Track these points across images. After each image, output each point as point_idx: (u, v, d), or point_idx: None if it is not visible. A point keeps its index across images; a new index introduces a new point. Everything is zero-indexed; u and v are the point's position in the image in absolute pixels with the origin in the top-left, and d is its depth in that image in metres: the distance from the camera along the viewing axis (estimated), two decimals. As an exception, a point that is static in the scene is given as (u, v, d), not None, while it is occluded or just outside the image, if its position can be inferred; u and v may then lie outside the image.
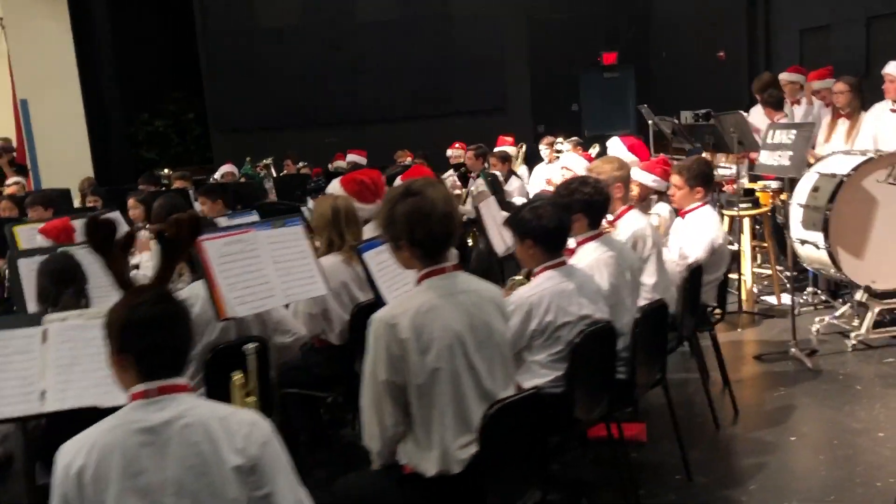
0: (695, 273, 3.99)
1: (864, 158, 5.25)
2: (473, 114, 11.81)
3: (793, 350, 5.12)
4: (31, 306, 3.54)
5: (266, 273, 3.04)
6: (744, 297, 6.23)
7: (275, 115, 11.49)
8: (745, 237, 6.29)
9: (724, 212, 6.58)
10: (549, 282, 3.00)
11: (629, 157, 5.92)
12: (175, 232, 2.06)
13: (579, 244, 3.48)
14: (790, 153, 5.00)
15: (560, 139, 9.53)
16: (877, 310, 5.34)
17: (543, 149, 9.60)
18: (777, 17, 11.35)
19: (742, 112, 6.57)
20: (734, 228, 6.40)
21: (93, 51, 10.53)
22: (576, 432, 3.19)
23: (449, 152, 9.48)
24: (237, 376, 2.22)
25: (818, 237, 5.33)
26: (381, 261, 3.52)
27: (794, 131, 5.04)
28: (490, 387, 2.41)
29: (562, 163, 7.31)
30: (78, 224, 4.75)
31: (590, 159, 6.06)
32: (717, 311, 4.55)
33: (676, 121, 7.85)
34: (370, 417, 2.40)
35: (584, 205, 3.41)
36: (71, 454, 1.84)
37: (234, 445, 1.88)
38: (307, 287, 3.18)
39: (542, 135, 12.07)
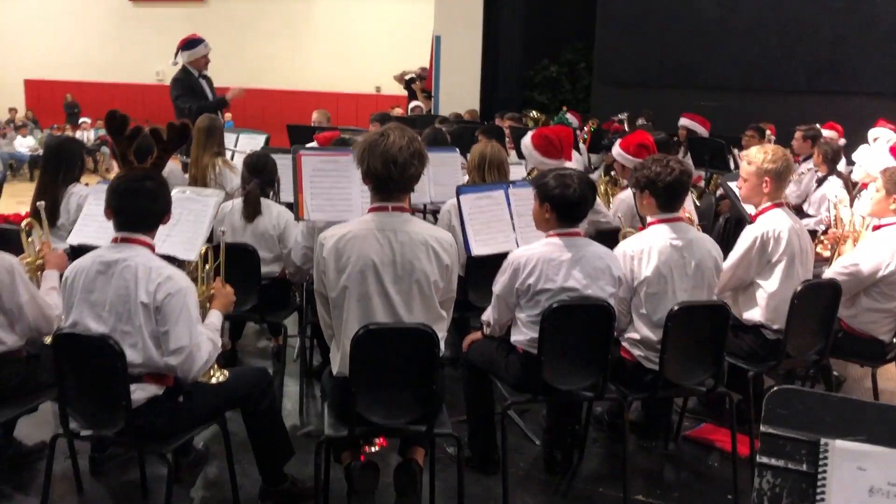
0: (818, 289, 3.52)
1: None
2: (882, 96, 10.31)
3: None
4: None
5: (350, 192, 3.66)
6: None
7: (657, 73, 11.47)
8: None
9: None
10: (545, 248, 3.09)
11: (888, 160, 5.09)
12: (168, 134, 2.83)
13: (649, 224, 3.40)
14: None
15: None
16: None
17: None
18: None
19: None
20: None
21: None
22: (549, 398, 3.23)
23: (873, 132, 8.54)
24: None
25: None
26: (476, 205, 3.91)
27: None
28: (403, 315, 2.74)
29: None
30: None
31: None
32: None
33: None
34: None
35: (648, 183, 3.32)
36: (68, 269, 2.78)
37: (146, 288, 2.62)
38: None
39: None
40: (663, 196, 3.33)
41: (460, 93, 11.37)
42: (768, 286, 3.60)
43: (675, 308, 3.17)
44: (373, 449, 3.36)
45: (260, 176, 4.33)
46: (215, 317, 2.90)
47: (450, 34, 11.51)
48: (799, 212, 7.42)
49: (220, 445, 3.17)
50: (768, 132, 8.77)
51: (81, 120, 17.80)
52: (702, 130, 8.73)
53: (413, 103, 11.35)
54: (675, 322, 3.17)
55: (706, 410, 4.20)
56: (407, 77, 12.20)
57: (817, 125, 8.40)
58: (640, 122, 9.23)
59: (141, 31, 20.15)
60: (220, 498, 3.35)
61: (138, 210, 2.71)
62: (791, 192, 7.68)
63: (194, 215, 3.49)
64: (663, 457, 3.87)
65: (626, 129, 9.61)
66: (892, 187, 3.79)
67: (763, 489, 0.90)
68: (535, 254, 3.09)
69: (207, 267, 2.95)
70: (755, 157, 3.67)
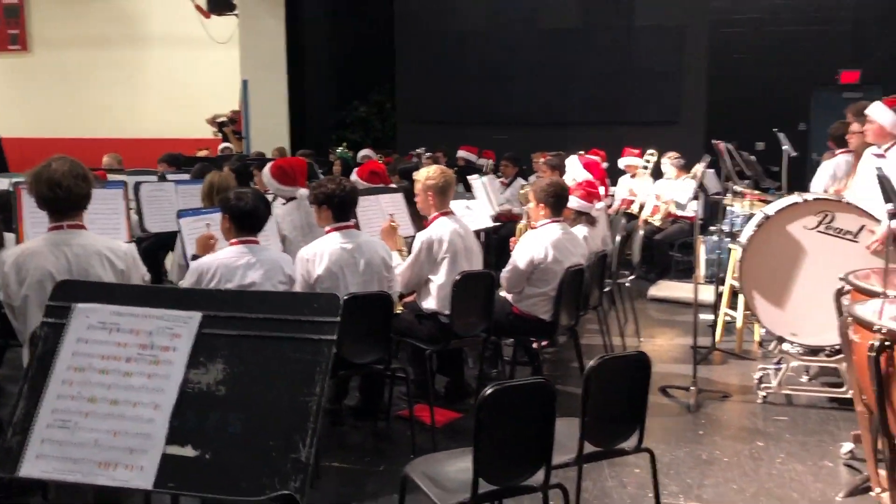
0: (473, 278, 4.30)
1: (792, 201, 4.88)
2: (644, 125, 11.71)
3: (692, 388, 4.98)
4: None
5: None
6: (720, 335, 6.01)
7: (453, 111, 12.49)
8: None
9: (731, 245, 6.31)
10: (225, 254, 3.68)
11: (583, 175, 6.05)
12: None
13: (327, 232, 4.06)
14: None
15: (653, 153, 9.47)
16: (793, 364, 4.95)
17: (666, 162, 9.53)
18: None
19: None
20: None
21: (303, 44, 12.51)
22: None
23: (622, 161, 9.78)
24: None
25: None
26: (194, 226, 4.45)
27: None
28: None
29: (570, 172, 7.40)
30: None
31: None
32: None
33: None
34: None
35: (326, 198, 3.99)
36: None
37: None
38: (113, 235, 4.20)
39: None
40: (338, 208, 4.01)
41: (270, 133, 11.94)
42: (437, 279, 4.36)
43: (345, 298, 3.83)
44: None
45: (1, 212, 4.71)
46: None
47: (256, 78, 12.12)
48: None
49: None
50: (542, 160, 9.87)
51: None
52: (477, 160, 9.81)
53: (223, 145, 11.85)
54: (345, 311, 3.80)
55: (419, 392, 4.89)
56: (219, 120, 12.68)
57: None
58: (427, 154, 10.12)
59: (-41, 82, 19.48)
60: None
61: None
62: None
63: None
64: (371, 433, 4.52)
65: (422, 161, 10.53)
66: (539, 197, 4.65)
67: (39, 333, 1.51)
68: (216, 260, 3.66)
69: None
70: (420, 176, 4.45)
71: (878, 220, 4.63)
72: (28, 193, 3.28)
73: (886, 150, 4.85)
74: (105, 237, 3.46)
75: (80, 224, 3.32)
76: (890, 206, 3.75)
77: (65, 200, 3.22)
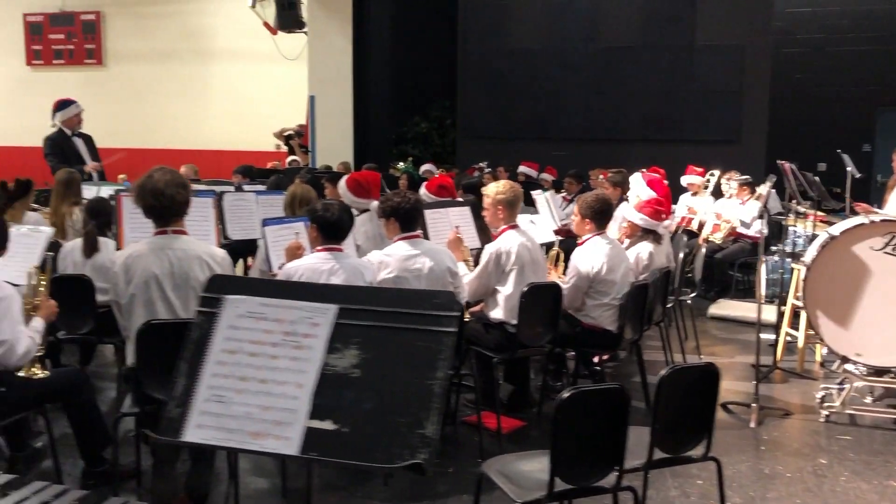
0: (540, 289, 4.45)
1: (858, 222, 4.92)
2: (703, 143, 11.73)
3: (753, 405, 5.04)
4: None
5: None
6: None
7: (513, 127, 12.69)
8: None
9: (793, 265, 6.34)
10: (311, 259, 3.90)
11: (647, 192, 6.15)
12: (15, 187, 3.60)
13: (394, 241, 4.26)
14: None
15: (715, 172, 9.50)
16: (857, 384, 4.98)
17: (724, 183, 9.57)
18: None
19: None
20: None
21: (368, 61, 12.86)
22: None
23: (685, 179, 9.88)
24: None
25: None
26: (279, 234, 4.71)
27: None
28: (182, 315, 3.49)
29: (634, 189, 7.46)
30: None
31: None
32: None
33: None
34: None
35: (392, 211, 4.20)
36: None
37: None
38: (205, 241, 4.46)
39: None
40: (404, 220, 4.22)
41: (334, 147, 12.30)
42: (505, 290, 4.53)
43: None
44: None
45: (98, 218, 5.04)
46: (37, 322, 3.58)
47: (323, 94, 12.50)
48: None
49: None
50: (602, 177, 9.99)
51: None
52: (538, 176, 9.98)
53: (290, 158, 12.24)
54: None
55: (483, 400, 5.05)
56: (286, 134, 13.10)
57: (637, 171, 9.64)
58: (488, 170, 10.34)
59: (39, 94, 20.32)
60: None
61: None
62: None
63: (26, 248, 4.19)
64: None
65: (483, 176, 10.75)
66: (583, 212, 4.80)
67: (194, 321, 1.72)
68: (303, 265, 3.89)
69: (34, 283, 3.68)
70: (489, 191, 4.63)
71: (946, 243, 4.66)
72: (135, 203, 3.56)
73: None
74: (203, 243, 3.73)
75: (182, 230, 3.59)
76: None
77: (167, 208, 3.50)
